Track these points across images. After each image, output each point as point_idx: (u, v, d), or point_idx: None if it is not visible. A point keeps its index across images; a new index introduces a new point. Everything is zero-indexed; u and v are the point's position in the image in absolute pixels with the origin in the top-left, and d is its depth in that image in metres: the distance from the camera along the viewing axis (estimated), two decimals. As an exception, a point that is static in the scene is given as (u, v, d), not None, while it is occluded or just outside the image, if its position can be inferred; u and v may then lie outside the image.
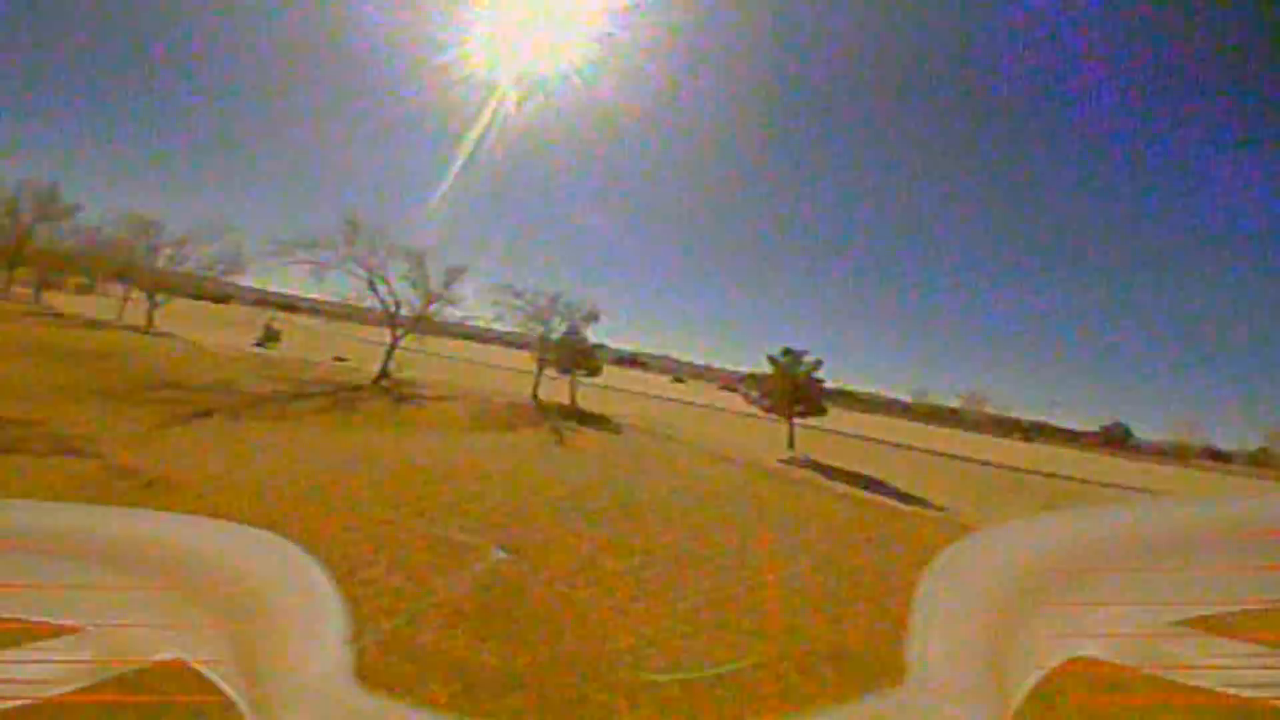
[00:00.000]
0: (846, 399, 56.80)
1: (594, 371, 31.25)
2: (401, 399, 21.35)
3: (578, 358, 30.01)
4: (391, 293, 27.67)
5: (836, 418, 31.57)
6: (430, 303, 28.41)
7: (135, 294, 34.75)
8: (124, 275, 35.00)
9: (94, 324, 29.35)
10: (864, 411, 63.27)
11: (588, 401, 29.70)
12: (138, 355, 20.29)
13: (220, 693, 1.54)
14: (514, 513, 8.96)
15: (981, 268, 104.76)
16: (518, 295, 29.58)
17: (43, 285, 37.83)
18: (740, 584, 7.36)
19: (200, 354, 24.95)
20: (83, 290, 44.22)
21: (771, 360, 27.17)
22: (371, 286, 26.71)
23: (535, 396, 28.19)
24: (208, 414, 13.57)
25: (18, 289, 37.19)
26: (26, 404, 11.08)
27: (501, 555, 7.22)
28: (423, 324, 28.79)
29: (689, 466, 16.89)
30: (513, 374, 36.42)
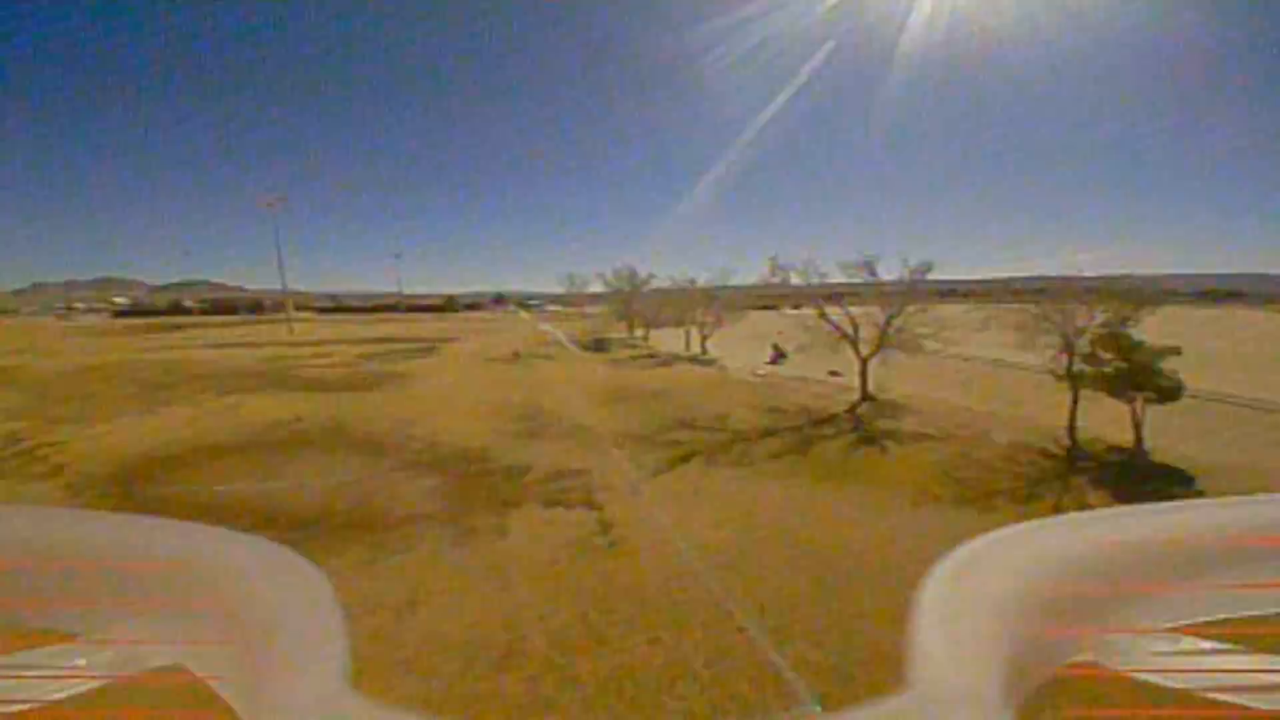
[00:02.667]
0: None
1: (1166, 396, 17.88)
2: (867, 438, 20.00)
3: (1135, 375, 17.74)
4: (847, 314, 28.17)
5: None
6: (889, 322, 27.05)
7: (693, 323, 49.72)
8: (684, 315, 51.03)
9: (668, 360, 42.43)
10: None
11: (1191, 435, 18.73)
12: (678, 394, 27.97)
13: (220, 701, 1.52)
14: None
15: None
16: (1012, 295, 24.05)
17: (648, 326, 58.89)
18: None
19: (720, 384, 31.96)
20: (673, 324, 64.05)
21: None
22: (823, 316, 28.22)
23: (1071, 435, 19.08)
24: (692, 458, 17.76)
25: (638, 331, 60.44)
26: (592, 453, 17.64)
27: None
28: (895, 338, 27.30)
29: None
30: (1043, 382, 25.67)
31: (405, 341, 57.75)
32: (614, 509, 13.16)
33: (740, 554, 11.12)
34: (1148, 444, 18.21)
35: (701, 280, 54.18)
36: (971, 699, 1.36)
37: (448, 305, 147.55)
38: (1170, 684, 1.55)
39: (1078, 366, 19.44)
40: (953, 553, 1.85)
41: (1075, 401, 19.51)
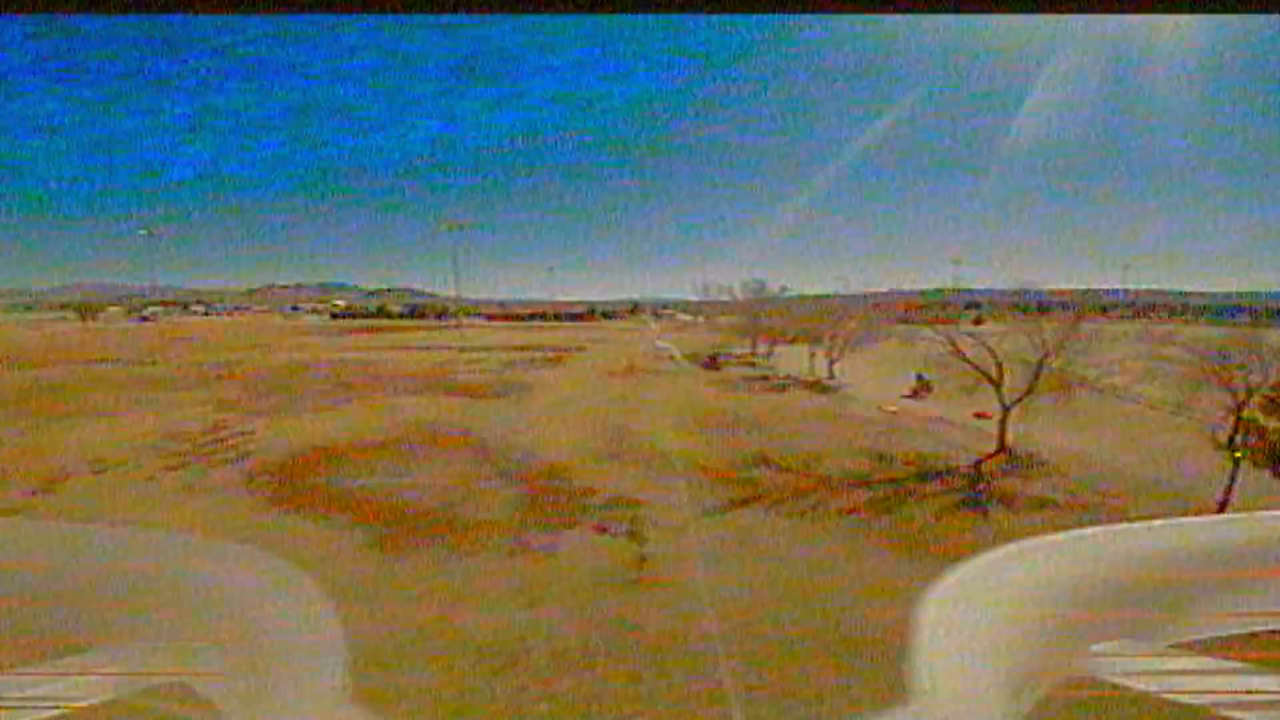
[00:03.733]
0: None
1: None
2: (972, 501, 17.64)
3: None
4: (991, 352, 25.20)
5: None
6: (1046, 354, 23.65)
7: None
8: (813, 334, 48.48)
9: (782, 384, 41.32)
10: None
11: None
12: (775, 425, 27.23)
13: (217, 712, 1.51)
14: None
15: None
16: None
17: (774, 342, 56.77)
18: None
19: (830, 417, 30.13)
20: (806, 340, 60.31)
21: None
22: (958, 353, 25.59)
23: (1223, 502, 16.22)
24: (756, 501, 17.31)
25: (761, 348, 58.69)
26: (658, 483, 18.49)
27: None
28: (1045, 383, 23.96)
29: None
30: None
31: (542, 350, 63.61)
32: (655, 545, 14.05)
33: (757, 610, 11.33)
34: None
35: (833, 290, 51.95)
36: (972, 715, 1.37)
37: (588, 314, 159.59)
38: (1168, 699, 1.54)
39: (1239, 435, 16.41)
40: (953, 570, 1.89)
41: (1234, 477, 16.29)
